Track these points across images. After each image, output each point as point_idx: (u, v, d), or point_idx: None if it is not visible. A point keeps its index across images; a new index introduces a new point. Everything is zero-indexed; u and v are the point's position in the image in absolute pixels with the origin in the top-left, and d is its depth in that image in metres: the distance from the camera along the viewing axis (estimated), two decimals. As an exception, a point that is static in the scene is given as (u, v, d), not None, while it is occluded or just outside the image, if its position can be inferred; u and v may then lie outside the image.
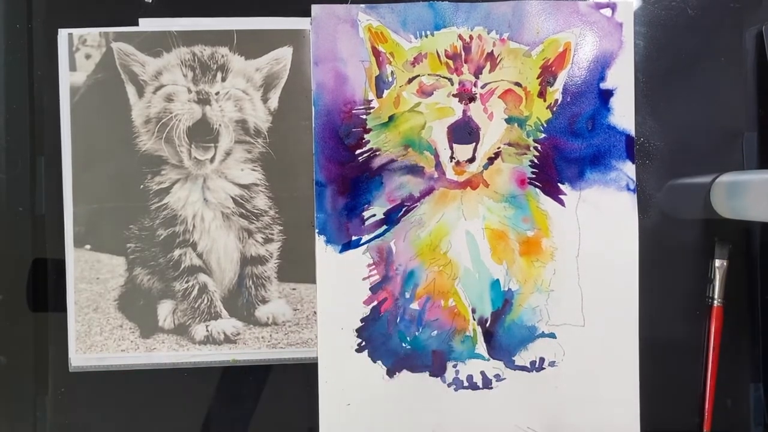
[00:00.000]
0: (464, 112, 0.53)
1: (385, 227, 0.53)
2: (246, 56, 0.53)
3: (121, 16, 0.52)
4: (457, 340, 0.53)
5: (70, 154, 0.52)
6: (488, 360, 0.53)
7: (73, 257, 0.53)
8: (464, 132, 0.53)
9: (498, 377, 0.53)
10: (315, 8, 0.53)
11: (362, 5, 0.53)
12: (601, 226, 0.53)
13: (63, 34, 0.52)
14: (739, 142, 0.54)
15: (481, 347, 0.53)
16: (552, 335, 0.53)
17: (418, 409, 0.53)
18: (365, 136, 0.53)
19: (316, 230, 0.53)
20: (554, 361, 0.53)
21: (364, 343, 0.53)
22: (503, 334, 0.53)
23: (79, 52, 0.52)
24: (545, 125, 0.53)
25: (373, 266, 0.53)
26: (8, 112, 0.53)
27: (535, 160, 0.53)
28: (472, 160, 0.53)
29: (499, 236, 0.53)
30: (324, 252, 0.53)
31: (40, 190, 0.53)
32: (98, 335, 0.53)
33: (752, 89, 0.54)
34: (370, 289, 0.53)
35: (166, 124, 0.52)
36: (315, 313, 0.53)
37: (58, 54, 0.52)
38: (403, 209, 0.53)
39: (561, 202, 0.53)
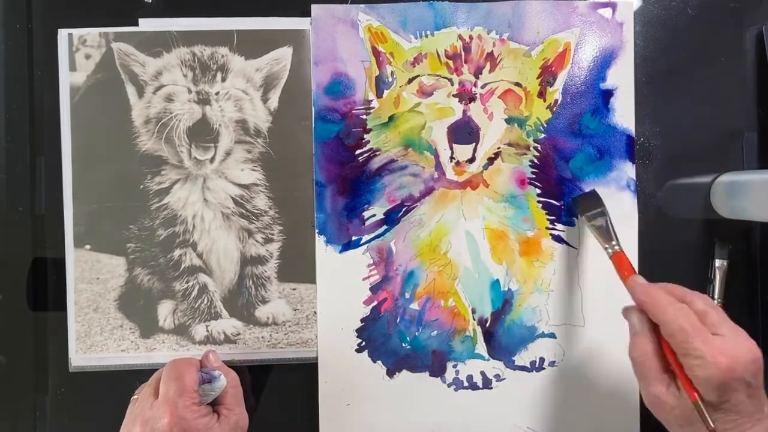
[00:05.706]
0: (464, 112, 0.53)
1: (385, 227, 0.53)
2: (246, 56, 0.53)
3: (121, 16, 0.52)
4: (457, 340, 0.53)
5: (70, 154, 0.52)
6: (488, 360, 0.53)
7: (73, 257, 0.52)
8: (464, 132, 0.53)
9: (498, 377, 0.53)
10: (315, 8, 0.53)
11: (362, 5, 0.53)
12: (601, 226, 0.53)
13: (63, 34, 0.52)
14: (739, 142, 0.54)
15: (481, 347, 0.53)
16: (552, 335, 0.53)
17: (418, 409, 0.53)
18: (365, 136, 0.53)
19: (316, 230, 0.53)
20: (554, 361, 0.53)
21: (364, 343, 0.53)
22: (503, 334, 0.53)
23: (79, 52, 0.52)
24: (545, 125, 0.53)
25: (373, 266, 0.53)
26: (8, 112, 0.53)
27: (535, 160, 0.53)
28: (472, 160, 0.53)
29: (499, 236, 0.53)
30: (324, 252, 0.53)
31: (40, 190, 0.53)
32: (98, 335, 0.53)
33: (752, 89, 0.54)
34: (370, 289, 0.53)
35: (166, 124, 0.52)
36: (315, 313, 0.53)
37: (58, 54, 0.52)
38: (403, 209, 0.53)
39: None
